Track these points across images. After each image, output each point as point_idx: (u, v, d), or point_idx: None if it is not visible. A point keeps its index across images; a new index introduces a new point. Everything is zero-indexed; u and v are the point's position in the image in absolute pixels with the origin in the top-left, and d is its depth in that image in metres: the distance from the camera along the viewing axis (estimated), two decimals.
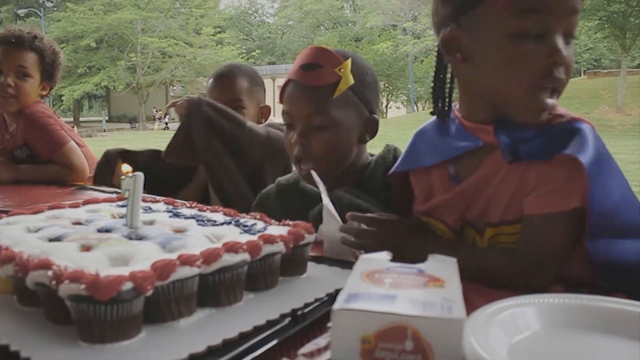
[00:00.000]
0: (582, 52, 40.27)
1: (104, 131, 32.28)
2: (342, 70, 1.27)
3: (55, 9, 42.32)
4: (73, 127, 2.60)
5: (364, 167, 1.37)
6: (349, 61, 1.28)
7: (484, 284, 0.91)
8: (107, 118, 39.99)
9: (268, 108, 1.98)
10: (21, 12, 37.36)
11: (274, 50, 56.02)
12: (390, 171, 1.21)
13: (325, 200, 1.11)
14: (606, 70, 28.66)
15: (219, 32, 39.49)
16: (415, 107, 35.94)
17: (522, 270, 0.94)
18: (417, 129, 1.20)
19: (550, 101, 0.95)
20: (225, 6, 59.24)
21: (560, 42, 0.93)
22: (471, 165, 1.05)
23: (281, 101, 1.35)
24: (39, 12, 36.39)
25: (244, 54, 39.41)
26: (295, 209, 1.34)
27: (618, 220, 0.95)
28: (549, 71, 0.93)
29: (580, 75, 34.64)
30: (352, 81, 1.28)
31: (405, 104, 39.17)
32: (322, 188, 1.13)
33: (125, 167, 0.91)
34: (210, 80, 1.92)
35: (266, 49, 55.09)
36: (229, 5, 61.68)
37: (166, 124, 33.25)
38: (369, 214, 1.10)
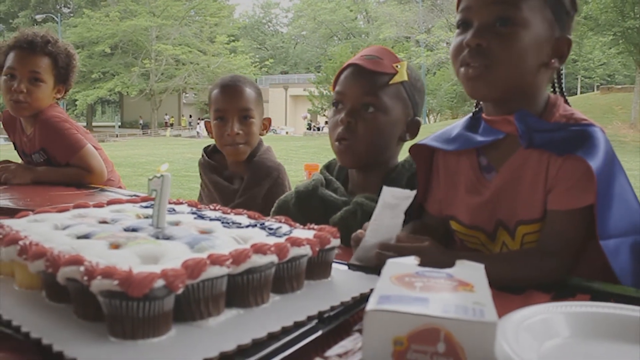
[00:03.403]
0: (595, 67, 40.16)
1: (117, 136, 32.47)
2: (398, 66, 1.37)
3: (72, 14, 42.80)
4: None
5: (392, 169, 1.40)
6: (405, 62, 1.40)
7: (511, 286, 0.97)
8: (119, 124, 40.24)
9: (269, 120, 2.00)
10: (38, 17, 37.76)
11: (287, 60, 56.31)
12: (418, 142, 1.28)
13: (379, 210, 1.06)
14: (620, 86, 28.53)
15: (233, 41, 39.75)
16: (427, 119, 35.91)
17: (548, 265, 1.02)
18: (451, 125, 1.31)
19: (469, 71, 1.09)
20: (240, 15, 59.66)
21: (482, 28, 1.07)
22: (501, 156, 1.15)
23: (334, 87, 1.42)
24: (55, 18, 36.79)
25: (257, 63, 39.62)
26: (315, 215, 1.34)
27: (619, 219, 1.05)
28: (465, 50, 1.09)
29: (594, 91, 34.52)
30: (406, 77, 1.37)
31: None
32: (380, 201, 1.06)
33: (164, 167, 0.92)
34: (216, 91, 1.88)
35: (279, 58, 55.40)
36: (243, 14, 62.15)
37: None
38: (400, 245, 1.06)
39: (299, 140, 25.20)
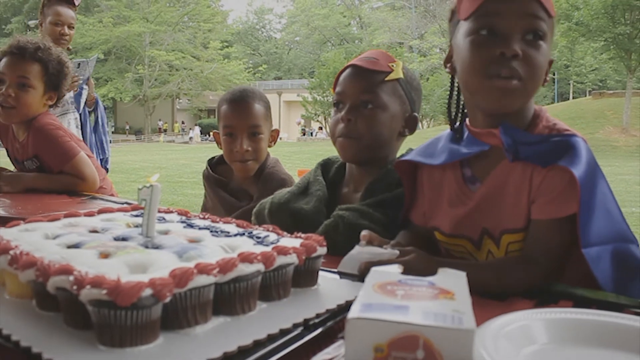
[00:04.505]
0: (587, 72, 40.29)
1: (110, 142, 32.32)
2: (394, 65, 1.44)
3: None
4: None
5: (389, 162, 1.44)
6: (401, 62, 1.46)
7: (494, 294, 0.98)
8: (113, 129, 40.13)
9: (277, 131, 2.01)
10: (31, 23, 37.44)
11: (281, 66, 56.34)
12: (401, 158, 1.32)
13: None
14: (611, 91, 28.70)
15: (227, 47, 39.87)
16: (420, 125, 35.99)
17: (532, 272, 1.04)
18: (435, 136, 1.31)
19: (505, 83, 1.05)
20: (233, 21, 59.75)
21: (514, 38, 1.05)
22: (486, 168, 1.17)
23: (334, 89, 1.48)
24: None
25: (251, 69, 39.66)
26: (286, 228, 1.36)
27: (601, 227, 1.05)
28: (499, 60, 1.05)
29: (586, 96, 34.66)
30: (401, 75, 1.44)
31: None
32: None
33: (155, 177, 0.93)
34: (225, 106, 1.89)
35: (273, 64, 55.41)
36: (237, 20, 62.20)
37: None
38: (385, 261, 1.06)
39: (292, 146, 25.22)
